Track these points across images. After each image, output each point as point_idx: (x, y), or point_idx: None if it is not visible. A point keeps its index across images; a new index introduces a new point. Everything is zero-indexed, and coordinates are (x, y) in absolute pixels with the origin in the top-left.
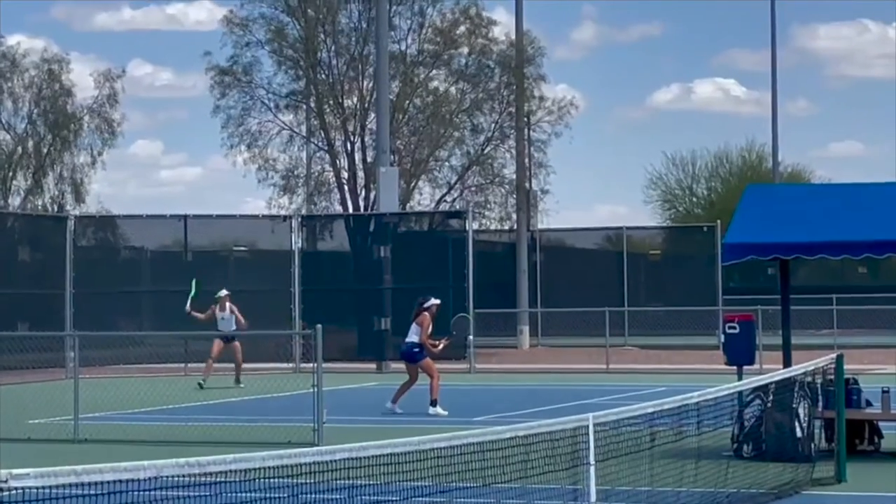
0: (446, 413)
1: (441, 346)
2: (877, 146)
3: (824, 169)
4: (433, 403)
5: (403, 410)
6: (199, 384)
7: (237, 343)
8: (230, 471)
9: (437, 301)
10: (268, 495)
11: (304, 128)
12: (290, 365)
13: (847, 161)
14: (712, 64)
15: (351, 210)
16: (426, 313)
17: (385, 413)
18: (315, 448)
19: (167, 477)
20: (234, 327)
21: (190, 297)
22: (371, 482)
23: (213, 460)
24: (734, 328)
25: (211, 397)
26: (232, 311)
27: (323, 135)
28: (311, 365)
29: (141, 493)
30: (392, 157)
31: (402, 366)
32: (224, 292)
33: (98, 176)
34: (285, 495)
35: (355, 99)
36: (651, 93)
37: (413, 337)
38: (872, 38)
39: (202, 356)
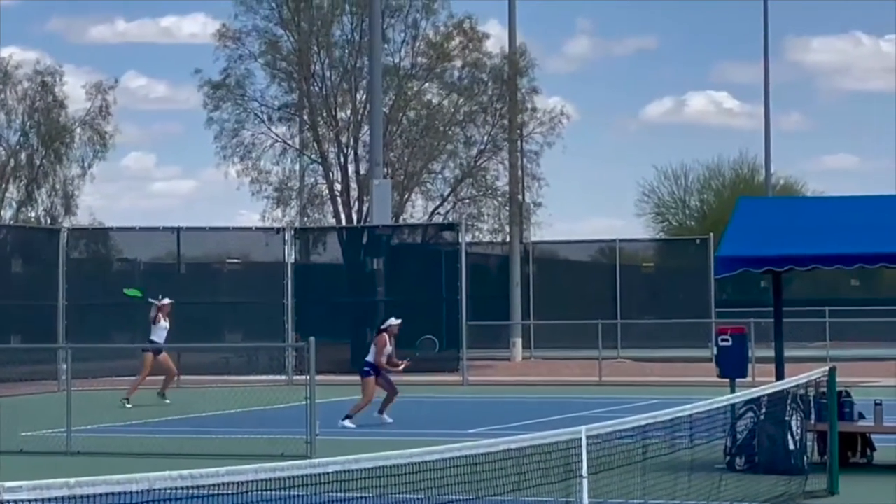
0: (354, 426)
1: (402, 367)
2: (871, 159)
3: (817, 182)
4: (348, 416)
5: (393, 420)
6: (125, 401)
7: (165, 354)
8: (223, 483)
9: (397, 321)
10: None
11: (297, 140)
12: (284, 377)
13: (841, 174)
14: (705, 77)
15: (344, 222)
16: (384, 334)
17: (378, 425)
18: (308, 461)
19: (160, 490)
20: (164, 339)
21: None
22: (364, 495)
23: (206, 473)
24: (727, 341)
25: (204, 409)
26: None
27: (316, 147)
28: (304, 377)
29: None
30: (385, 169)
31: (394, 378)
32: (167, 300)
33: (90, 188)
34: None
35: (349, 111)
36: (644, 105)
37: (370, 356)
38: (866, 51)
39: (194, 369)
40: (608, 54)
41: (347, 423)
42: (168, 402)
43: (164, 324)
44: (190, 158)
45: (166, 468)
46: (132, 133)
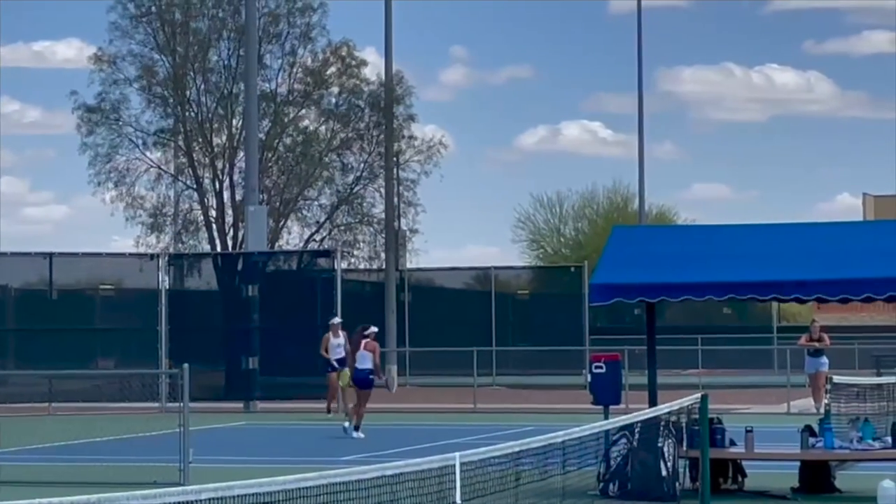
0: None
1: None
2: (742, 189)
3: (690, 211)
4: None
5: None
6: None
7: (346, 371)
8: None
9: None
10: None
11: (172, 166)
12: (157, 404)
13: (712, 203)
14: (579, 106)
15: (219, 249)
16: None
17: (252, 453)
18: (180, 488)
19: None
20: (344, 354)
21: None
22: None
23: (77, 500)
24: (601, 368)
25: (76, 437)
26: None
27: (191, 173)
28: (177, 404)
29: None
30: (261, 195)
31: (269, 405)
32: (337, 320)
33: None
34: None
35: (224, 137)
36: (519, 134)
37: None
38: (737, 82)
39: (66, 396)
40: (483, 83)
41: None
42: (331, 415)
43: (337, 340)
44: (63, 184)
45: (37, 496)
46: (5, 158)
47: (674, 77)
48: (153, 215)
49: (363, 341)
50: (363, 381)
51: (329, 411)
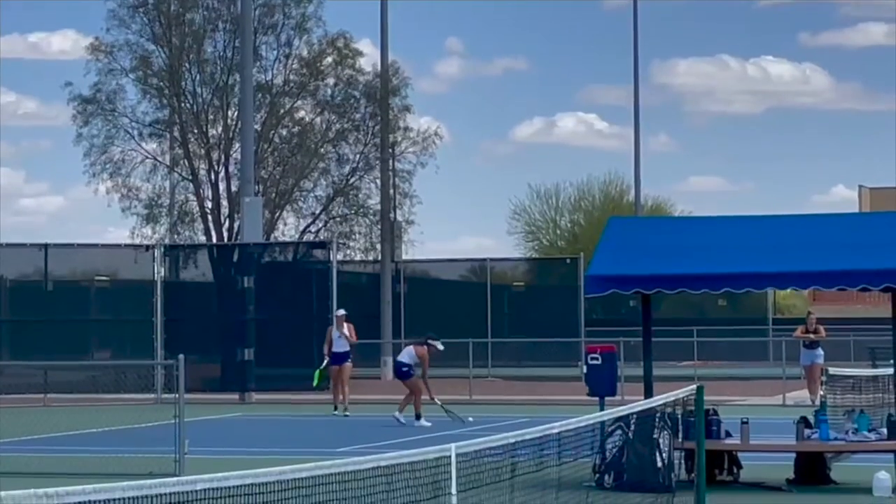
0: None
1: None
2: (737, 181)
3: (685, 203)
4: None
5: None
6: (344, 415)
7: (348, 365)
8: (90, 501)
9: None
10: None
11: (167, 157)
12: (152, 395)
13: (707, 195)
14: (575, 99)
15: (215, 240)
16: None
17: (248, 444)
18: (176, 478)
19: None
20: (347, 348)
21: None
22: None
23: (72, 491)
24: (596, 359)
25: (72, 428)
26: (344, 332)
27: (187, 164)
28: (173, 395)
29: None
30: (256, 187)
31: (264, 396)
32: (341, 312)
33: None
34: None
35: (220, 128)
36: (515, 126)
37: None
38: (732, 74)
39: (62, 386)
40: (479, 75)
41: (423, 422)
42: (347, 414)
43: (338, 333)
44: (59, 175)
45: (33, 487)
46: (1, 149)
47: (669, 69)
48: (149, 206)
49: (419, 345)
50: (399, 373)
51: (336, 408)
